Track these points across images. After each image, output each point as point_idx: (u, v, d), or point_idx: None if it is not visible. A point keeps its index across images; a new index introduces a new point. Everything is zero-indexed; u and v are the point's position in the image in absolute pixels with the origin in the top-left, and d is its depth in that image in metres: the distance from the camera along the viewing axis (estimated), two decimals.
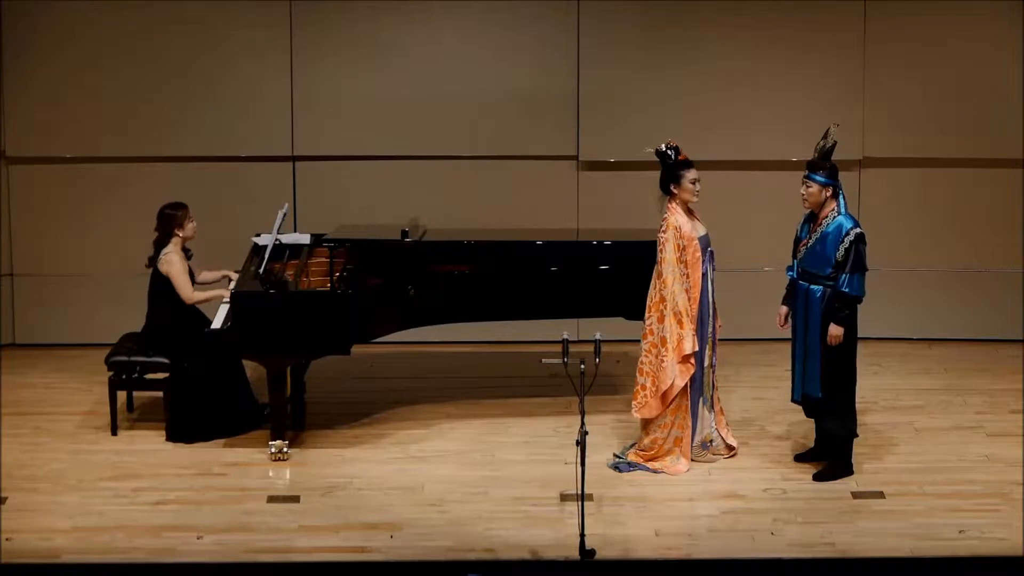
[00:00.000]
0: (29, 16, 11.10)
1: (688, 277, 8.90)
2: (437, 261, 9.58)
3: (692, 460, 9.06)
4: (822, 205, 8.77)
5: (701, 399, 9.04)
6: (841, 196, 8.80)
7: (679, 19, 11.20)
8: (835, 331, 8.67)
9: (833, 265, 8.69)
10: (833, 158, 8.89)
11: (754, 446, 9.38)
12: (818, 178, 8.74)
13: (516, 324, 10.33)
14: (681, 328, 8.86)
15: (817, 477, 8.86)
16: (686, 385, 8.93)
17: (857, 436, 8.92)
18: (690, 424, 9.02)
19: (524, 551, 7.98)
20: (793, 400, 9.00)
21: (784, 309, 8.99)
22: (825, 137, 8.83)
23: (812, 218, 8.86)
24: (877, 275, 10.86)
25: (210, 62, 11.21)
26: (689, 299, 8.89)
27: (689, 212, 8.99)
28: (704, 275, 8.95)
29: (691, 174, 8.92)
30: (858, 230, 8.69)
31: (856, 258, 8.66)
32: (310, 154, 11.35)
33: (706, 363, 9.02)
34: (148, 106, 11.23)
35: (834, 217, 8.74)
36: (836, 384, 8.77)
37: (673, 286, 8.87)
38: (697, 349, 8.90)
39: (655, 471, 8.99)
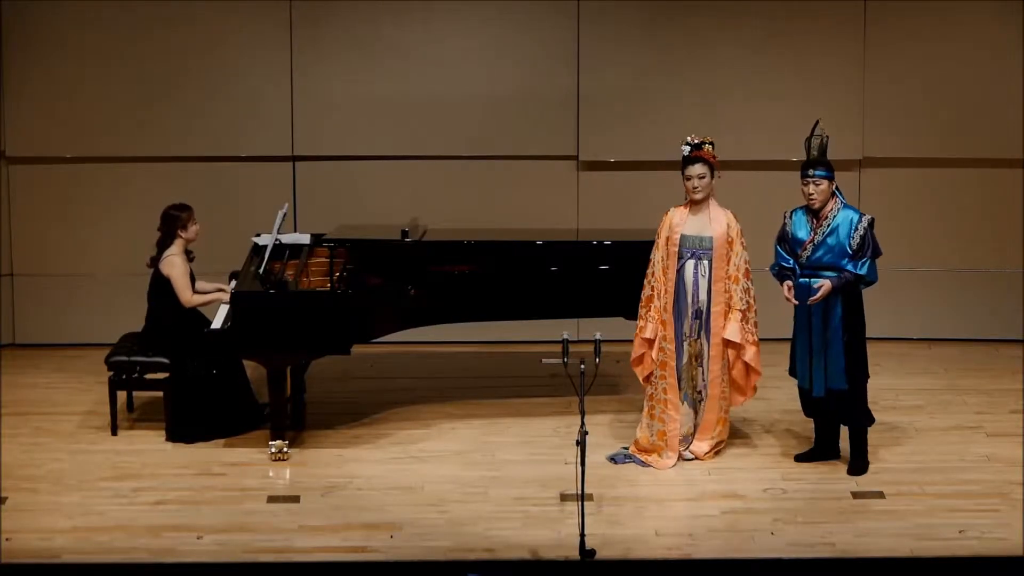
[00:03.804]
0: (29, 16, 11.10)
1: (666, 270, 8.96)
2: (437, 261, 9.58)
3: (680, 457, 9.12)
4: (827, 200, 8.80)
5: (681, 394, 9.08)
6: (837, 189, 8.86)
7: (679, 19, 11.20)
8: (827, 286, 8.68)
9: (848, 255, 8.72)
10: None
11: (754, 446, 9.39)
12: (824, 173, 8.76)
13: (516, 324, 10.33)
14: (642, 311, 9.06)
15: (852, 472, 8.87)
16: (666, 380, 8.99)
17: (874, 421, 8.99)
18: (676, 419, 9.06)
19: (524, 551, 7.98)
20: (815, 396, 8.93)
21: (789, 282, 8.92)
22: (817, 133, 8.82)
23: (808, 215, 8.84)
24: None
25: (210, 62, 11.21)
26: (664, 292, 8.96)
27: (697, 209, 8.99)
28: (680, 272, 8.98)
29: (687, 171, 8.96)
30: (869, 217, 8.76)
31: (874, 243, 8.73)
32: (310, 154, 11.35)
33: (684, 360, 9.04)
34: (148, 106, 11.23)
35: (839, 210, 8.77)
36: (856, 375, 8.80)
37: (648, 270, 9.01)
38: (653, 336, 9.00)
39: (645, 464, 9.03)
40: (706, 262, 9.00)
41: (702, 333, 9.04)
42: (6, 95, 11.22)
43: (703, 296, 9.00)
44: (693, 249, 8.99)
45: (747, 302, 8.97)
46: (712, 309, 8.99)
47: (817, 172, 8.77)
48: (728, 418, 9.20)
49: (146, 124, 11.24)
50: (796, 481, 8.87)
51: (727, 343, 9.00)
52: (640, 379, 9.20)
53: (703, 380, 9.09)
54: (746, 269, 8.98)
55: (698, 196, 8.96)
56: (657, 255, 9.03)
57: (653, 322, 9.02)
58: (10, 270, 11.42)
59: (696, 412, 9.12)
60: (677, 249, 8.97)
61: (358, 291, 9.35)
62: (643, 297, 9.08)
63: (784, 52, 11.23)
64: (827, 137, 8.83)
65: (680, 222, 8.99)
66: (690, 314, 9.01)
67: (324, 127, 11.30)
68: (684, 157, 8.96)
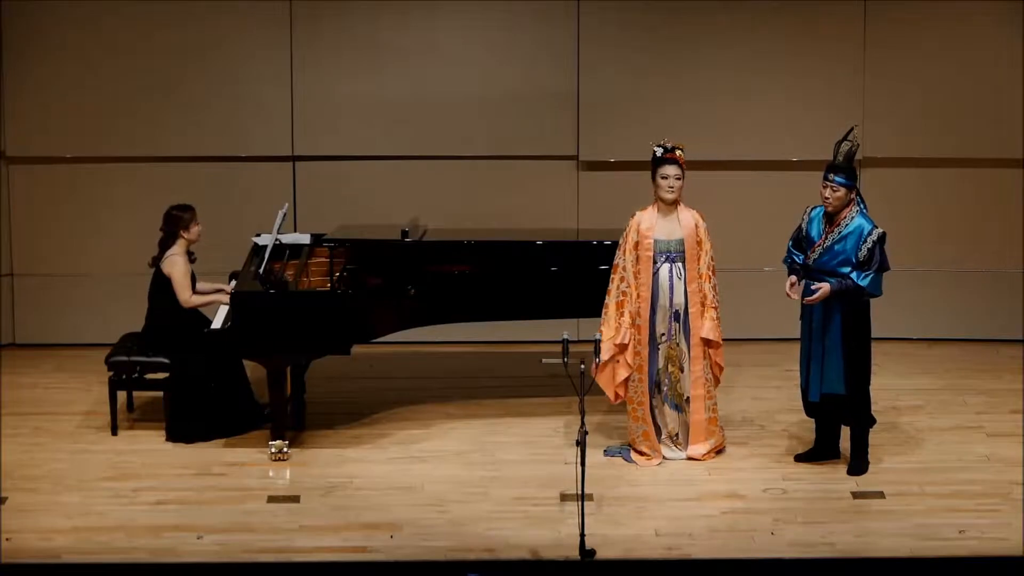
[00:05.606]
0: (29, 16, 11.10)
1: (638, 275, 8.96)
2: (437, 261, 9.59)
3: (665, 457, 9.13)
4: (843, 207, 8.79)
5: (661, 397, 9.09)
6: (860, 197, 8.84)
7: (679, 19, 11.20)
8: (826, 289, 8.67)
9: (853, 265, 8.70)
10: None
11: (754, 446, 9.39)
12: (844, 180, 8.73)
13: (516, 324, 10.32)
14: (606, 315, 9.03)
15: (852, 472, 8.88)
16: (643, 383, 9.02)
17: (875, 422, 8.98)
18: (651, 421, 9.09)
19: (524, 551, 7.98)
20: (811, 400, 8.94)
21: (793, 277, 8.91)
22: (849, 139, 8.82)
23: (823, 217, 8.84)
24: None
25: (210, 62, 11.21)
26: (637, 297, 8.96)
27: (666, 211, 9.01)
28: (655, 276, 8.99)
29: (663, 170, 9.00)
30: (880, 230, 8.72)
31: (882, 258, 8.70)
32: (310, 154, 11.35)
33: (660, 363, 9.04)
34: (148, 106, 11.23)
35: (853, 218, 8.76)
36: (857, 379, 8.79)
37: (614, 274, 9.02)
38: (627, 342, 8.97)
39: (631, 460, 9.09)
40: (680, 264, 9.03)
41: (681, 335, 9.05)
42: (6, 95, 11.22)
43: (680, 298, 9.02)
44: (667, 252, 9.02)
45: (716, 299, 9.04)
46: (690, 311, 9.03)
47: (837, 178, 8.74)
48: (718, 418, 9.21)
49: (146, 124, 11.24)
50: (796, 481, 8.87)
51: (705, 342, 9.03)
52: (608, 392, 9.08)
53: (688, 382, 9.10)
54: (713, 266, 9.03)
55: (671, 196, 8.99)
56: (626, 259, 9.03)
57: (626, 327, 9.02)
58: (10, 270, 11.42)
59: (684, 413, 9.12)
60: (651, 253, 8.98)
61: (358, 291, 9.36)
62: (612, 303, 9.04)
63: (784, 53, 11.22)
64: (857, 145, 8.82)
65: (650, 226, 9.01)
66: (668, 317, 9.03)
67: (324, 127, 11.30)
68: (659, 158, 9.00)
